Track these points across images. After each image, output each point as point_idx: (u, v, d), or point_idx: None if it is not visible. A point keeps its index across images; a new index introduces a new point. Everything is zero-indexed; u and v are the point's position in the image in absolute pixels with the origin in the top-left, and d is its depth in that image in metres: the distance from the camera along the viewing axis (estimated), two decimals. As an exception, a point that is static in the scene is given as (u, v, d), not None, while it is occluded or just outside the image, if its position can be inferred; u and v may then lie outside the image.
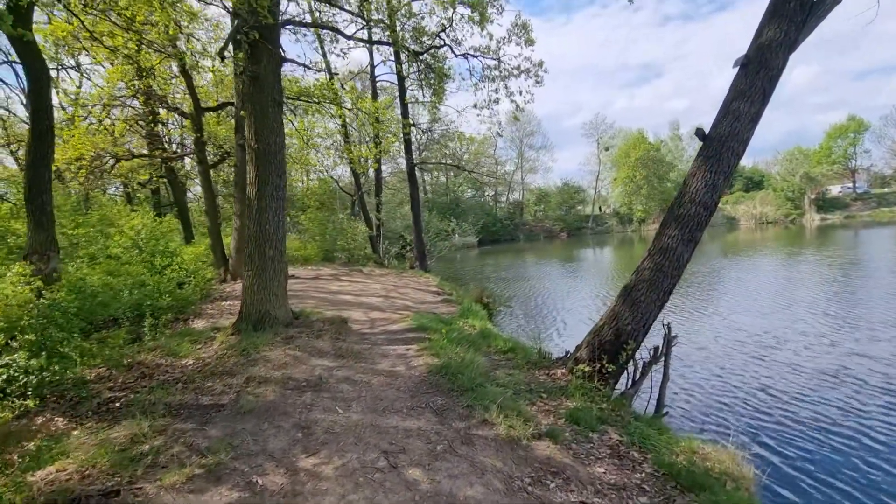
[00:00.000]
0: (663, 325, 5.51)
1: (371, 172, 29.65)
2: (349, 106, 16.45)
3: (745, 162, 72.79)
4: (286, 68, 18.64)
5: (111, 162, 15.71)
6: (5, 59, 15.04)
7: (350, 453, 3.07)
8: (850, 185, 63.64)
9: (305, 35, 17.90)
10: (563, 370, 5.61)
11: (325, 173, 33.82)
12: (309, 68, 9.11)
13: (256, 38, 5.76)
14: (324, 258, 20.84)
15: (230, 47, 6.94)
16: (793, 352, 8.45)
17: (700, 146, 5.01)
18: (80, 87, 15.87)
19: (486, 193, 69.63)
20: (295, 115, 16.32)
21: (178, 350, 5.53)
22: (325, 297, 10.29)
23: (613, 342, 5.27)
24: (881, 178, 64.00)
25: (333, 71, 18.66)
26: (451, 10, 14.30)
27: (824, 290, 14.02)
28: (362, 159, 22.30)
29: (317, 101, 14.43)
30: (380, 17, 14.99)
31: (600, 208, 70.93)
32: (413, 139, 47.95)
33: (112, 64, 13.51)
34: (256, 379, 4.27)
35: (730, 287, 15.98)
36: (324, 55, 22.20)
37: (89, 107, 15.48)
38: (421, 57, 17.21)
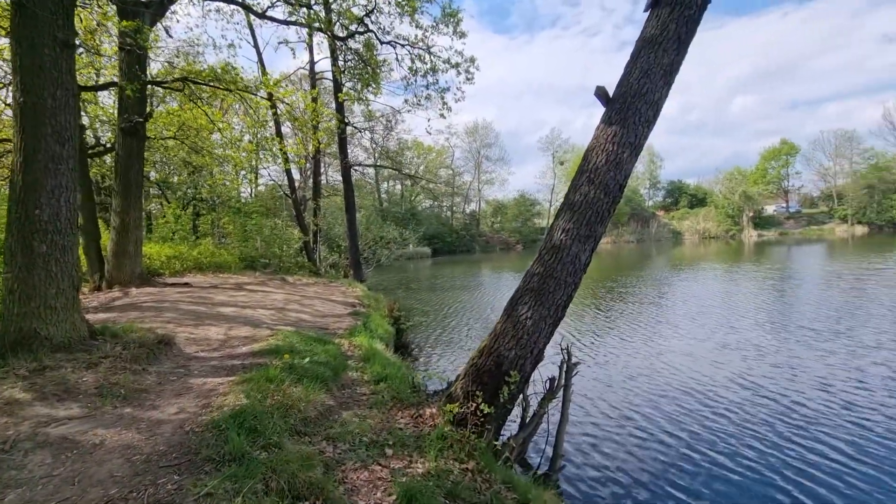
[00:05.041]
0: (562, 348, 4.22)
1: (310, 174, 27.93)
2: (264, 94, 14.82)
3: (690, 180, 76.08)
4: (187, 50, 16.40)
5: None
6: None
7: None
8: (784, 204, 67.51)
9: (238, 23, 16.18)
10: (434, 409, 4.19)
11: (269, 176, 31.83)
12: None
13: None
14: (247, 266, 18.70)
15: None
16: (731, 385, 7.43)
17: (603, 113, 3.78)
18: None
19: (443, 204, 68.74)
20: (202, 101, 14.34)
21: None
22: (194, 311, 8.47)
23: (493, 373, 3.90)
24: (810, 199, 68.28)
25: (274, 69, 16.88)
26: (375, -9, 13.05)
27: (770, 307, 13.55)
28: (291, 156, 20.55)
29: (227, 87, 12.59)
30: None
31: (555, 221, 71.52)
32: (368, 146, 46.42)
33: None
34: None
35: (673, 304, 15.32)
36: (256, 46, 20.47)
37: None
38: (350, 45, 15.84)
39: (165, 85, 13.04)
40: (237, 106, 19.90)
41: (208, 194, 23.10)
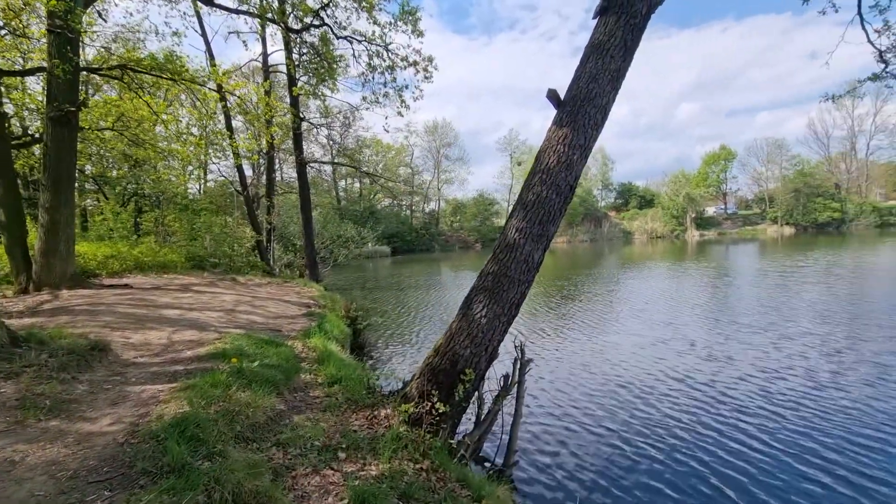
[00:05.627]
0: (515, 345, 4.30)
1: (263, 170, 26.98)
2: (213, 86, 14.19)
3: (639, 182, 79.82)
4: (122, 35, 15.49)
5: None
6: None
7: None
8: (722, 206, 72.20)
9: (184, 12, 15.37)
10: (390, 410, 4.15)
11: (219, 172, 30.46)
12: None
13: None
14: (194, 266, 17.78)
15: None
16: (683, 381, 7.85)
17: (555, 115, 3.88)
18: None
19: (403, 203, 68.37)
20: (144, 91, 13.43)
21: None
22: (133, 314, 7.95)
23: (449, 372, 3.92)
24: (745, 202, 73.47)
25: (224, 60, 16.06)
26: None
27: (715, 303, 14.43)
28: (243, 151, 19.73)
29: (172, 77, 11.84)
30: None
31: (513, 221, 72.80)
32: (325, 142, 45.26)
33: None
34: None
35: (620, 301, 15.99)
36: (204, 35, 19.47)
37: None
38: (305, 39, 15.41)
39: (102, 72, 12.17)
40: (183, 97, 18.86)
41: (151, 190, 21.79)
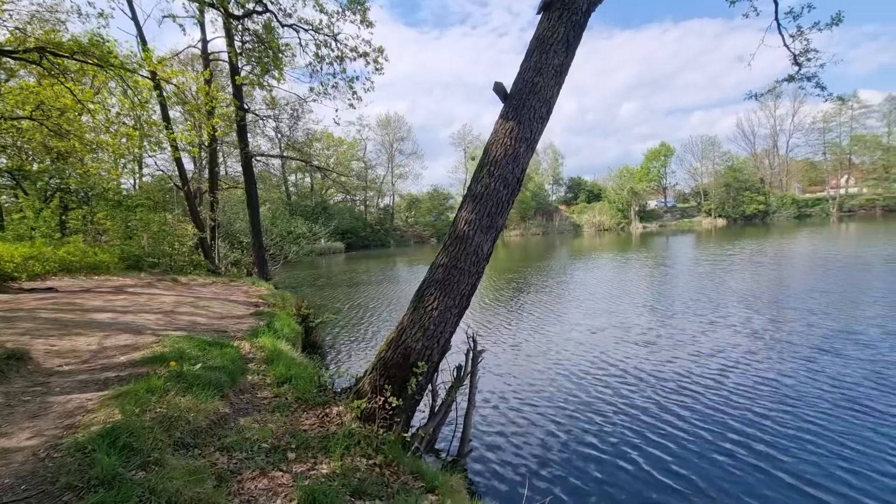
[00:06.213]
0: (468, 336, 4.35)
1: (206, 164, 25.61)
2: (146, 73, 13.24)
3: (587, 177, 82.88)
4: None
5: None
6: None
7: None
8: (663, 199, 76.46)
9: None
10: (342, 407, 4.08)
11: (156, 166, 28.56)
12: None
13: None
14: (129, 266, 16.62)
15: None
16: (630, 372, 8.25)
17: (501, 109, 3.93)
18: None
19: (356, 198, 67.12)
20: (67, 78, 12.30)
21: None
22: (58, 319, 7.31)
23: (401, 365, 3.90)
24: (683, 195, 78.18)
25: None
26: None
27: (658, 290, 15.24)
28: (182, 143, 18.57)
29: (98, 63, 10.88)
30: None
31: (467, 215, 73.43)
32: (272, 135, 43.31)
33: None
34: None
35: (567, 292, 16.58)
36: (134, 18, 18.03)
37: None
38: (248, 26, 14.70)
39: (16, 56, 11.05)
40: (113, 85, 17.45)
41: (78, 185, 20.06)
